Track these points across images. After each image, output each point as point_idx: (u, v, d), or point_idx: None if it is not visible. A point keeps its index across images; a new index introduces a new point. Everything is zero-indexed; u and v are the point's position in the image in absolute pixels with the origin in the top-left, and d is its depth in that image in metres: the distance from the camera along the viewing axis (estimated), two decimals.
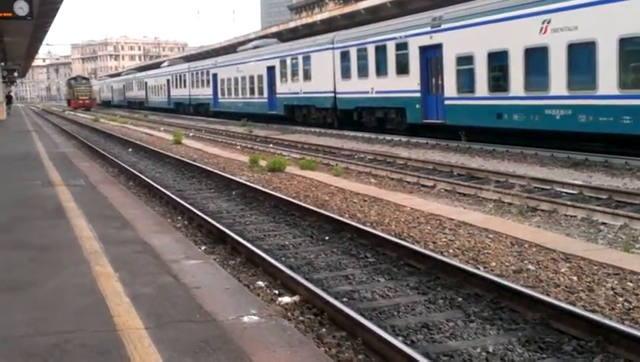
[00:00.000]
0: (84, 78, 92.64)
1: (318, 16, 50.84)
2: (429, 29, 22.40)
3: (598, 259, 6.92)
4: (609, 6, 15.71)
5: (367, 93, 26.51)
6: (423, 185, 13.79)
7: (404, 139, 23.08)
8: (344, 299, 6.20)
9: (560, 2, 16.98)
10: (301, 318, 5.78)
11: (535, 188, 12.54)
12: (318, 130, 29.68)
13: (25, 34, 31.84)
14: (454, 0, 24.40)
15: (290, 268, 7.13)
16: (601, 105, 16.03)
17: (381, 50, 25.39)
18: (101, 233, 7.70)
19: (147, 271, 6.08)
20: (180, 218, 10.59)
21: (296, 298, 6.25)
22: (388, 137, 24.03)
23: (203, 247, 8.43)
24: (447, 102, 21.74)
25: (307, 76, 32.08)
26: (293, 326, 5.16)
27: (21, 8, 15.59)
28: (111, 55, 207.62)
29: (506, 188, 12.48)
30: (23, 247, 7.10)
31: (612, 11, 15.63)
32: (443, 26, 21.68)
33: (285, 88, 34.35)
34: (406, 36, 23.68)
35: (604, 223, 9.59)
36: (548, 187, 12.45)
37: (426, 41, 22.53)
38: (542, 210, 10.65)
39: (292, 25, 52.75)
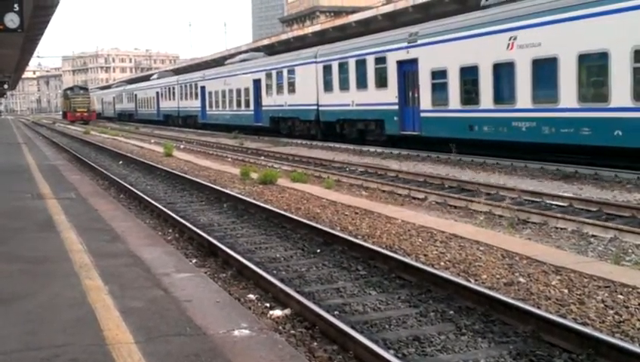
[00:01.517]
0: (82, 88, 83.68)
1: (310, 28, 51.04)
2: (405, 44, 23.24)
3: (589, 272, 6.95)
4: (569, 24, 16.46)
5: (348, 105, 27.27)
6: (414, 198, 13.81)
7: (395, 151, 23.15)
8: (335, 312, 6.19)
9: (525, 20, 17.77)
10: (292, 332, 5.77)
11: (525, 200, 12.58)
12: (309, 142, 29.78)
13: (15, 46, 31.74)
14: (443, 14, 24.70)
15: (282, 281, 7.11)
16: (562, 117, 16.84)
17: (361, 65, 26.15)
18: (91, 246, 7.67)
19: (137, 285, 6.06)
20: (170, 231, 10.56)
21: (287, 311, 6.23)
22: (379, 150, 24.09)
23: (194, 260, 8.40)
24: (422, 114, 22.50)
25: (292, 89, 32.73)
26: (284, 339, 5.15)
27: (11, 20, 15.52)
28: (102, 67, 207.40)
29: (497, 200, 12.52)
30: (13, 260, 7.06)
31: (571, 28, 16.39)
32: (419, 42, 22.54)
33: (271, 101, 34.96)
34: (384, 51, 24.49)
35: (594, 236, 9.63)
36: (538, 199, 12.50)
37: (403, 55, 23.34)
38: (532, 223, 10.69)
39: (284, 37, 52.92)
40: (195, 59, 77.14)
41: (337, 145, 27.22)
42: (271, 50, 49.65)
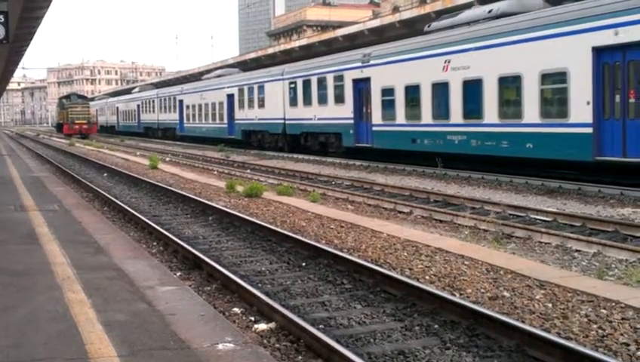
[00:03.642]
0: (80, 97, 73.83)
1: (297, 42, 51.26)
2: (360, 64, 25.46)
3: (572, 286, 6.98)
4: (491, 50, 18.80)
5: (311, 119, 29.51)
6: (399, 212, 13.84)
7: (381, 165, 23.26)
8: (320, 326, 6.17)
9: (457, 45, 20.16)
10: (277, 345, 5.74)
11: (510, 215, 12.65)
12: (295, 155, 29.89)
13: (0, 57, 31.61)
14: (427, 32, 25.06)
15: (267, 294, 7.08)
16: (486, 131, 19.15)
17: (322, 82, 28.43)
18: (74, 258, 7.61)
19: (121, 298, 6.01)
20: (155, 243, 10.49)
21: (272, 325, 6.21)
22: (365, 163, 24.22)
23: (178, 273, 8.35)
24: (374, 128, 24.74)
25: (261, 104, 34.60)
26: (269, 353, 5.13)
27: None
28: (87, 79, 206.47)
29: (482, 214, 12.57)
30: None
31: (493, 54, 18.74)
32: (371, 62, 24.78)
33: (243, 115, 36.97)
34: (342, 70, 26.76)
35: (577, 250, 9.69)
36: (523, 214, 12.57)
37: (357, 74, 25.56)
38: (517, 237, 10.73)
39: (271, 51, 53.08)
40: (180, 72, 77.36)
41: (324, 158, 27.34)
42: (258, 63, 49.83)
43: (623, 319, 6.03)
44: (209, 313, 5.74)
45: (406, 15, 36.37)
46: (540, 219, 12.07)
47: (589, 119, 15.80)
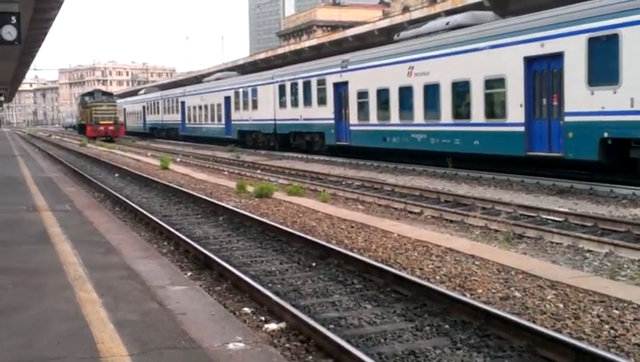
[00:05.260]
0: (105, 93, 63.75)
1: (307, 42, 51.31)
2: (339, 69, 27.95)
3: (584, 287, 6.94)
4: (446, 58, 21.13)
5: (298, 120, 31.89)
6: (410, 212, 13.82)
7: (391, 165, 23.26)
8: (331, 326, 6.17)
9: (419, 53, 22.55)
10: (287, 345, 5.74)
11: (521, 215, 12.59)
12: (305, 155, 30.03)
13: (12, 58, 31.77)
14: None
15: (277, 294, 7.09)
16: (442, 130, 21.54)
17: (307, 85, 30.83)
18: (86, 258, 7.65)
19: (132, 297, 6.04)
20: (166, 243, 10.53)
21: (282, 324, 6.21)
22: (375, 163, 24.24)
23: (189, 273, 8.37)
24: (351, 128, 27.18)
25: (255, 106, 36.98)
26: (279, 353, 5.13)
27: (9, 33, 15.54)
28: (99, 80, 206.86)
29: (493, 215, 12.52)
30: (7, 272, 7.03)
31: (448, 62, 21.03)
32: (349, 67, 27.25)
33: (238, 116, 39.41)
34: (324, 74, 29.27)
35: (589, 251, 9.63)
36: (534, 214, 12.51)
37: (337, 78, 28.06)
38: (528, 237, 10.69)
39: (280, 51, 53.16)
40: (191, 73, 77.69)
41: (334, 158, 27.40)
42: (268, 63, 49.93)
43: (635, 319, 6.00)
44: (220, 313, 5.75)
45: (416, 15, 36.29)
46: (552, 219, 12.01)
47: (522, 119, 18.18)
